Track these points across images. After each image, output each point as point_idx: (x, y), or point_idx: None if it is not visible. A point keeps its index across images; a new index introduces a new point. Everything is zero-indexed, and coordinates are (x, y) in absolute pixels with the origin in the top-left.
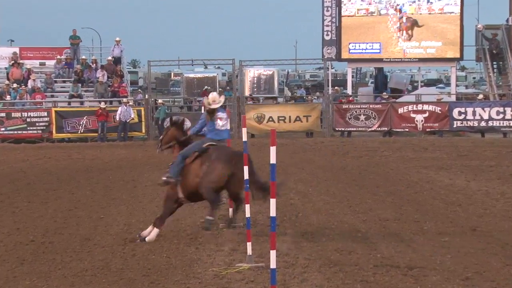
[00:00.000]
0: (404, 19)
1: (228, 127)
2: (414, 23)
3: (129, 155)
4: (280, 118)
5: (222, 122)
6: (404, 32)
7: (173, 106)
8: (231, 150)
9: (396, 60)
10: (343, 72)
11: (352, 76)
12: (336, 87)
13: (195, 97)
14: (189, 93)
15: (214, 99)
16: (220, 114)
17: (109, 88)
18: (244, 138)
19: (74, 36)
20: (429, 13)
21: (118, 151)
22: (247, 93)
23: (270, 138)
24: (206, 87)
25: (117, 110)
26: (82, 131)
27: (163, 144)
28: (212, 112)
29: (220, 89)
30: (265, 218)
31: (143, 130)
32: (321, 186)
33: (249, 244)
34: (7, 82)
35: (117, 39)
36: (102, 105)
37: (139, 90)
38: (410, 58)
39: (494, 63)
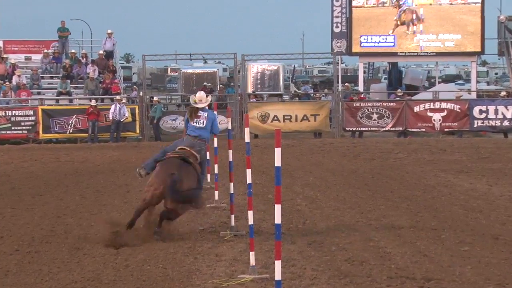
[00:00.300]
0: (404, 10)
1: (207, 127)
2: (414, 15)
3: (122, 157)
4: (286, 117)
5: (200, 120)
6: (409, 24)
7: (170, 104)
8: (174, 163)
9: (412, 54)
10: (354, 67)
11: (364, 72)
12: (346, 84)
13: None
14: (187, 90)
15: (201, 98)
16: (200, 113)
17: (100, 85)
18: (247, 139)
19: (62, 28)
20: (451, 3)
21: (110, 153)
22: (250, 90)
23: (275, 139)
24: (205, 83)
25: (110, 108)
26: (71, 131)
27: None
28: (195, 111)
29: (221, 86)
30: (269, 225)
31: (137, 130)
32: (330, 191)
33: (252, 254)
34: None
35: (109, 31)
36: (93, 103)
37: (133, 86)
38: (427, 52)
39: None
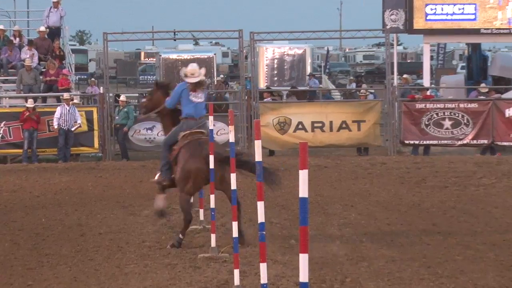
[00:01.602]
0: None
1: (204, 102)
2: None
3: (74, 184)
4: (316, 125)
5: (199, 94)
6: None
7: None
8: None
9: (503, 31)
10: (416, 50)
11: (431, 58)
12: (405, 75)
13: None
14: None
15: (193, 71)
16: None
17: (41, 77)
18: (258, 157)
19: None
20: None
21: (56, 178)
22: (262, 84)
23: (299, 157)
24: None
25: (55, 112)
26: None
27: (147, 109)
28: (193, 85)
29: (220, 78)
30: (291, 285)
31: (96, 144)
32: (381, 234)
33: None
34: None
35: None
36: (30, 104)
37: (90, 80)
38: None
39: None
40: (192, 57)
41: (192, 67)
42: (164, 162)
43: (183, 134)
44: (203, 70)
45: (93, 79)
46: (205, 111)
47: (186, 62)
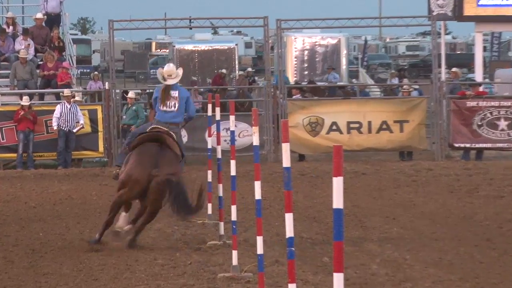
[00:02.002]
0: None
1: (179, 110)
2: None
3: (76, 193)
4: (353, 126)
5: (171, 102)
6: None
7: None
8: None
9: None
10: (467, 40)
11: (484, 49)
12: (454, 69)
13: (196, 87)
14: (184, 78)
15: (170, 72)
16: (171, 92)
17: (38, 71)
18: (286, 162)
19: None
20: None
21: (55, 187)
22: (291, 79)
23: (333, 162)
24: (221, 70)
25: (54, 111)
26: None
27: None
28: (165, 90)
29: (248, 70)
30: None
31: (101, 148)
32: (427, 250)
33: None
34: None
35: None
36: (25, 101)
37: (94, 74)
38: None
39: None
40: (210, 48)
41: (169, 67)
42: (124, 147)
43: (141, 133)
44: (180, 71)
45: (96, 73)
46: (179, 119)
47: (203, 54)
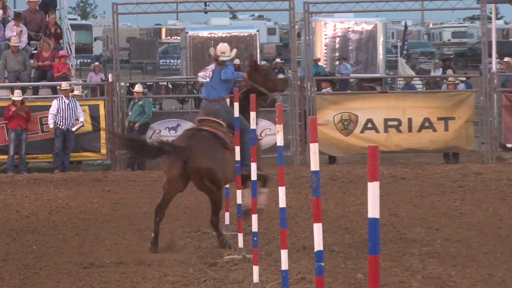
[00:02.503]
0: None
1: (208, 80)
2: None
3: (74, 201)
4: (391, 123)
5: (207, 72)
6: None
7: (166, 97)
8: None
9: None
10: None
11: None
12: (506, 58)
13: (340, 74)
14: (198, 68)
15: (224, 50)
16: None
17: (32, 62)
18: (315, 166)
19: None
20: None
21: (52, 193)
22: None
23: (368, 165)
24: (237, 61)
25: (50, 106)
26: None
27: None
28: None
29: (277, 62)
30: None
31: (103, 149)
32: (476, 265)
33: None
34: None
35: None
36: (17, 96)
37: (95, 64)
38: None
39: None
40: (228, 34)
41: (223, 45)
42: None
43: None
44: (234, 52)
45: (97, 63)
46: (218, 94)
47: (220, 42)
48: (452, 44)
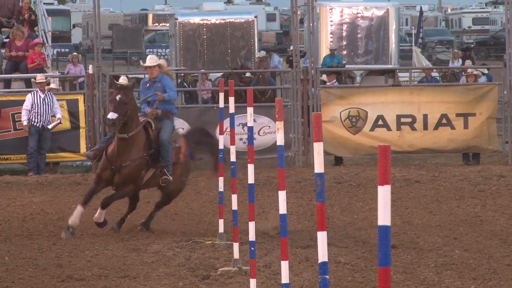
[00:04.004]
0: None
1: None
2: None
3: (51, 206)
4: (404, 120)
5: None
6: None
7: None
8: None
9: None
10: None
11: None
12: None
13: (203, 70)
14: (189, 59)
15: (151, 57)
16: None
17: (3, 51)
18: (319, 167)
19: None
20: None
21: (25, 198)
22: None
23: (378, 167)
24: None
25: (23, 101)
26: None
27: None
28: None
29: (264, 52)
30: None
31: (83, 148)
32: (497, 278)
33: None
34: None
35: None
36: None
37: (73, 55)
38: None
39: None
40: (223, 21)
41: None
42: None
43: None
44: (163, 61)
45: (76, 53)
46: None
47: (214, 29)
48: (473, 32)
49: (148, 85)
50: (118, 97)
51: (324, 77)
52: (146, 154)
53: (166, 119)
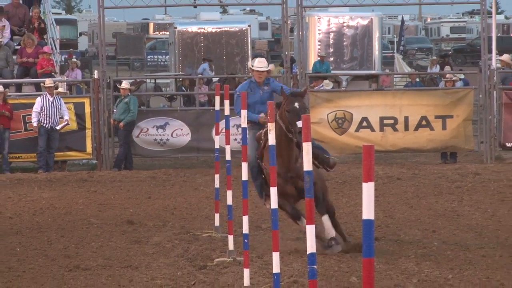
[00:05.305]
0: None
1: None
2: None
3: (59, 201)
4: (386, 122)
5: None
6: None
7: (153, 94)
8: None
9: None
10: None
11: None
12: (505, 56)
13: (201, 75)
14: (187, 65)
15: (260, 60)
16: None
17: (15, 58)
18: (307, 166)
19: None
20: None
21: (35, 194)
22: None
23: (363, 165)
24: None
25: (34, 104)
26: None
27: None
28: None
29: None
30: None
31: (89, 148)
32: (473, 269)
33: None
34: None
35: None
36: (0, 88)
37: (72, 61)
38: None
39: None
40: (218, 30)
41: (260, 59)
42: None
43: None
44: (272, 66)
45: (74, 59)
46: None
47: (210, 37)
48: (451, 40)
49: (254, 87)
50: (298, 105)
51: (325, 83)
52: None
53: None
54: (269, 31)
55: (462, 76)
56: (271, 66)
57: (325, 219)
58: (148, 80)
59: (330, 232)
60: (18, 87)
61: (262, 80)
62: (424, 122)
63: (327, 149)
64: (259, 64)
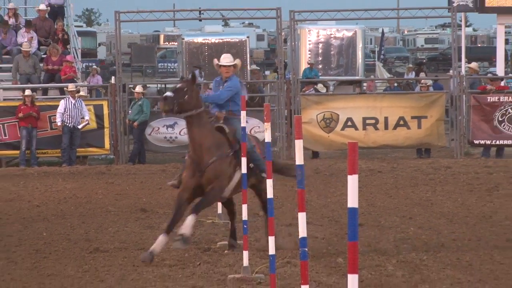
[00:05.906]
0: None
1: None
2: None
3: (80, 192)
4: (368, 122)
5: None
6: None
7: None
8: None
9: None
10: (489, 33)
11: (506, 42)
12: (473, 64)
13: (204, 80)
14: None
15: (226, 56)
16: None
17: (41, 65)
18: (299, 160)
19: None
20: None
21: (60, 185)
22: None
23: (347, 160)
24: (253, 66)
25: (57, 106)
26: None
27: (179, 107)
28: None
29: (255, 67)
30: None
31: (107, 144)
32: (445, 251)
33: None
34: None
35: None
36: (27, 91)
37: (93, 68)
38: None
39: None
40: (221, 40)
41: (226, 55)
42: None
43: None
44: (238, 61)
45: (94, 66)
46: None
47: (214, 47)
48: (425, 49)
49: (219, 84)
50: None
51: (319, 87)
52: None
53: (234, 119)
54: (265, 42)
55: (436, 81)
56: (237, 61)
57: (190, 219)
58: (158, 85)
59: (184, 229)
60: (45, 91)
61: (229, 75)
62: (401, 122)
63: (316, 145)
64: (225, 59)
